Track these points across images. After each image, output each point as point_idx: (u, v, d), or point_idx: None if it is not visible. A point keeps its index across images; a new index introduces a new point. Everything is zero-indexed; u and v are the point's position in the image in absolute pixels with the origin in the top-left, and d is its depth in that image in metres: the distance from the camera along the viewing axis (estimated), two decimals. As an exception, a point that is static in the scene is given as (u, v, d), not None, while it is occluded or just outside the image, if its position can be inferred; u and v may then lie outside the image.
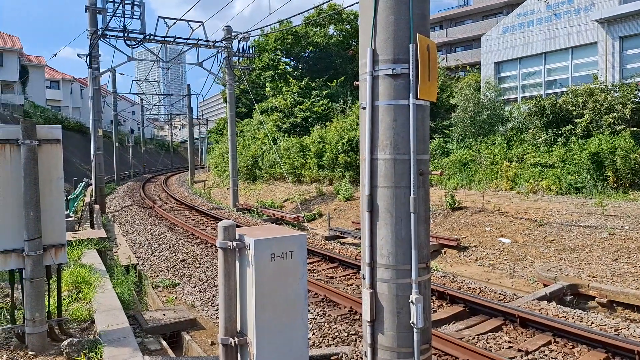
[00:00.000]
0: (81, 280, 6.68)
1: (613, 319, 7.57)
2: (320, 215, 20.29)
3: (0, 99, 38.85)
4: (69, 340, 4.55)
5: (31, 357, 4.51)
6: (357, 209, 19.17)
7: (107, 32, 20.20)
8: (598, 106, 18.41)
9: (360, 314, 7.53)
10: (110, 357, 4.32)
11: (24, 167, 4.41)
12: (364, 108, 3.53)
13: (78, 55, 22.20)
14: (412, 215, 3.40)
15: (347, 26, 38.68)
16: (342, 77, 35.23)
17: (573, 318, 7.25)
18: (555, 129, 19.46)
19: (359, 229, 16.12)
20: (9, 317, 4.99)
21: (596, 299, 9.00)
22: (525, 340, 6.59)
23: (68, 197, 13.82)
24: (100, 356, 4.38)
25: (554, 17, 25.04)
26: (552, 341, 6.49)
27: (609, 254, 10.87)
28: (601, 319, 7.21)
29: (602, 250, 11.16)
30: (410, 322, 3.39)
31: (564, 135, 18.97)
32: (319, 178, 26.56)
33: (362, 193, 3.62)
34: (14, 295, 4.89)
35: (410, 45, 3.35)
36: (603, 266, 10.40)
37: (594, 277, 9.97)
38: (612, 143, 16.65)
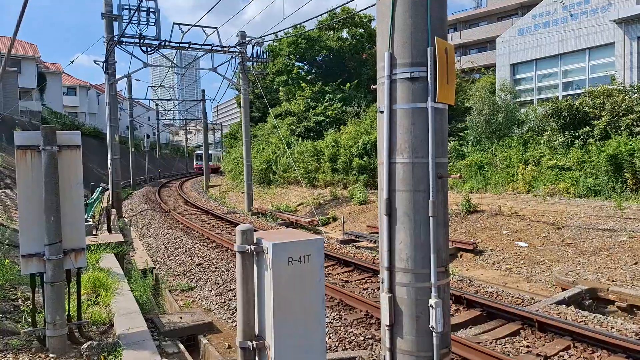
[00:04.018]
0: (100, 284, 6.78)
1: (634, 323, 7.44)
2: (335, 219, 20.26)
3: (19, 105, 39.49)
4: (89, 343, 4.61)
5: (52, 359, 4.56)
6: (372, 213, 19.11)
7: (123, 39, 20.46)
8: (616, 107, 18.16)
9: (377, 318, 7.50)
10: (130, 360, 4.36)
11: (44, 173, 4.47)
12: (382, 112, 3.52)
13: (95, 62, 22.49)
14: (431, 219, 3.38)
15: (360, 30, 38.60)
16: (356, 81, 35.16)
17: (592, 322, 7.15)
18: (572, 131, 19.21)
19: (374, 233, 16.07)
20: (30, 320, 5.06)
21: (616, 303, 8.85)
22: (544, 345, 6.50)
23: (86, 202, 13.99)
24: (120, 359, 4.42)
25: (570, 18, 24.76)
26: (572, 346, 6.40)
27: (629, 258, 10.69)
28: (621, 324, 7.10)
29: (621, 253, 10.98)
30: (430, 326, 3.37)
31: (581, 137, 18.72)
32: (333, 182, 26.54)
33: (380, 197, 3.61)
34: (35, 298, 4.97)
35: (429, 49, 3.33)
36: (623, 270, 10.23)
37: (613, 281, 9.82)
38: (630, 145, 16.38)
